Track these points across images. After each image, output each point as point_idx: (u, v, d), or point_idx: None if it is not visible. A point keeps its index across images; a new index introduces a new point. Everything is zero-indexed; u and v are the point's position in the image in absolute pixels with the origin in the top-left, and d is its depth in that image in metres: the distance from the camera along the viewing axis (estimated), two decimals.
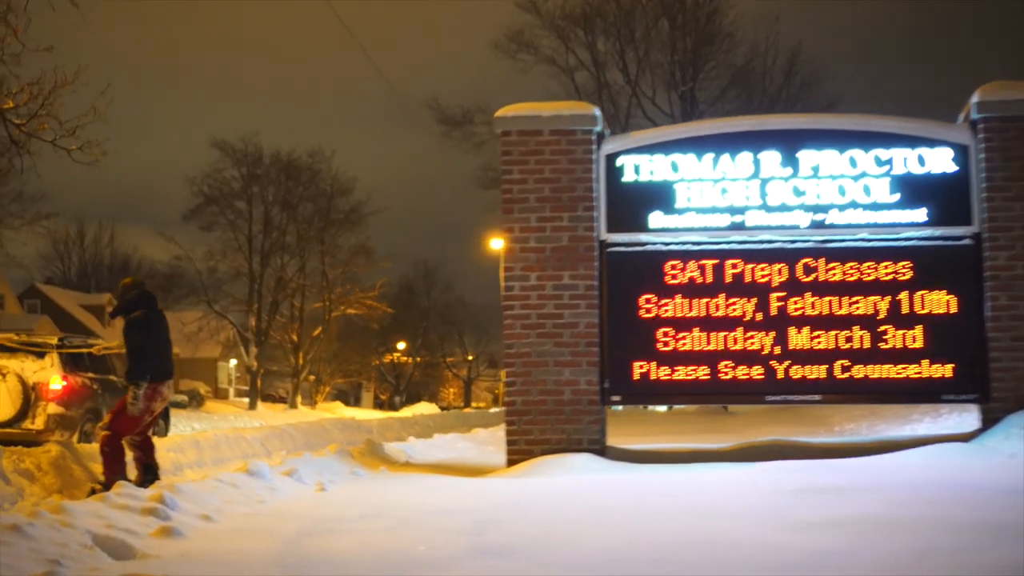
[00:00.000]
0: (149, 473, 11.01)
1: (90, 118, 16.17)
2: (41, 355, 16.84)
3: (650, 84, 40.69)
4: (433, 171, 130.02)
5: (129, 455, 11.12)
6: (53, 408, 16.67)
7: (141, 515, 7.37)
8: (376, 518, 7.72)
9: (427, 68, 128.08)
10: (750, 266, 11.76)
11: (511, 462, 11.77)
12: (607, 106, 40.65)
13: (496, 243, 66.32)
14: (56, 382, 16.70)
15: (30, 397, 16.43)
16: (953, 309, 11.51)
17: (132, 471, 11.14)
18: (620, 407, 12.33)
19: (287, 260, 59.60)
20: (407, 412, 58.83)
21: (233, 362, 75.68)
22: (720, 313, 11.73)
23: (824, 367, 11.56)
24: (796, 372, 11.57)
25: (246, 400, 60.91)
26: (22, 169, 16.23)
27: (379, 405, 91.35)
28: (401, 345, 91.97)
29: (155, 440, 11.95)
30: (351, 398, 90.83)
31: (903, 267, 11.58)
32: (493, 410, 61.99)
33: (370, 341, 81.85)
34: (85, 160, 16.88)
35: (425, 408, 67.50)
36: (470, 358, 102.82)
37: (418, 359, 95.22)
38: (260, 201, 59.02)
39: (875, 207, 11.76)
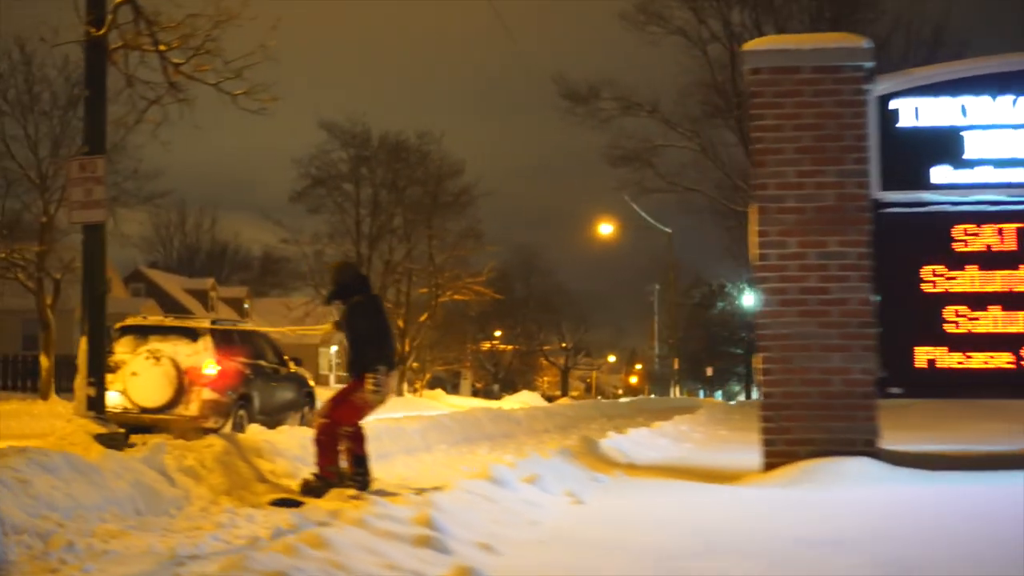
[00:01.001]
0: (360, 465, 10.44)
1: (258, 57, 14.28)
2: (194, 338, 16.10)
3: None
4: (539, 156, 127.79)
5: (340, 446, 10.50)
6: (207, 394, 15.86)
7: (415, 546, 5.51)
8: (721, 553, 5.71)
9: (550, 42, 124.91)
10: None
11: (769, 465, 9.69)
12: (740, 81, 38.36)
13: (605, 228, 64.56)
14: (210, 366, 15.92)
15: (183, 382, 15.61)
16: None
17: (341, 461, 10.51)
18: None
19: (394, 244, 57.95)
20: (511, 401, 57.04)
21: (334, 348, 74.25)
22: None
23: None
24: None
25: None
26: (181, 116, 14.34)
27: (475, 393, 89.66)
28: (497, 333, 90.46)
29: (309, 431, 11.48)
30: (448, 386, 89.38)
31: None
32: (624, 399, 59.72)
33: (468, 328, 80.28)
34: (252, 107, 15.07)
35: (528, 397, 65.53)
36: (566, 346, 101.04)
37: (515, 347, 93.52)
38: (368, 183, 57.50)
39: None
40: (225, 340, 16.80)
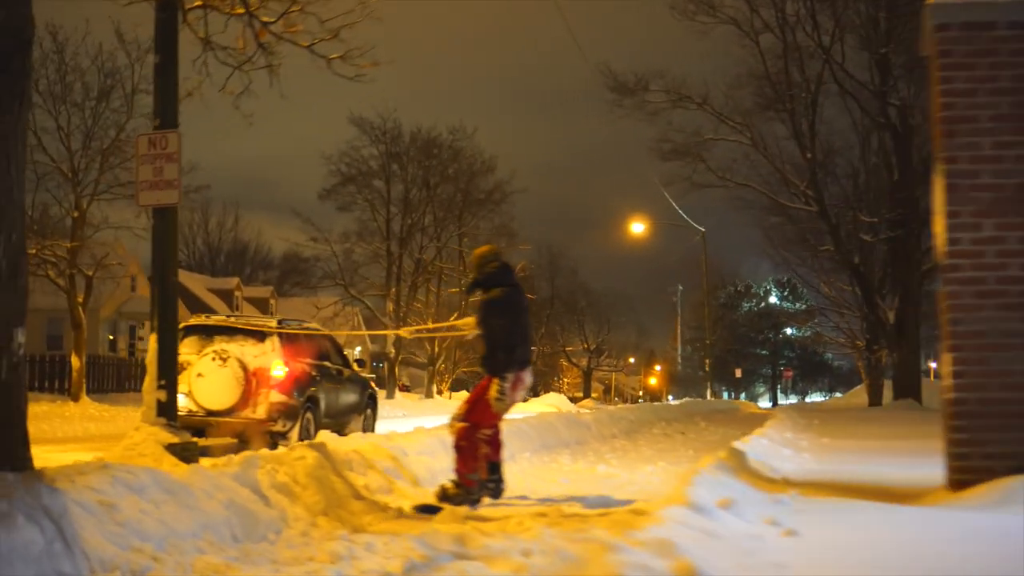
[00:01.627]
0: (495, 473, 10.05)
1: (357, 16, 12.74)
2: (261, 339, 15.63)
3: (839, 49, 36.96)
4: (579, 153, 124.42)
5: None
6: (275, 396, 15.40)
7: None
8: None
9: (597, 34, 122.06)
10: None
11: (959, 483, 8.21)
12: (794, 72, 37.08)
13: (637, 227, 63.08)
14: (278, 368, 15.45)
15: (251, 384, 15.17)
16: None
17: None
18: None
19: (425, 243, 56.54)
20: (539, 404, 55.72)
21: (358, 349, 72.89)
22: None
23: None
24: None
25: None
26: (270, 84, 12.82)
27: None
28: None
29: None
30: (470, 387, 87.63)
31: None
32: (674, 401, 58.17)
33: None
34: (348, 73, 13.54)
35: (555, 399, 64.13)
36: (589, 347, 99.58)
37: (539, 348, 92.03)
38: (399, 180, 56.26)
39: None
40: (291, 341, 16.29)
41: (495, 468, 10.09)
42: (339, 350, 19.03)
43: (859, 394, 77.40)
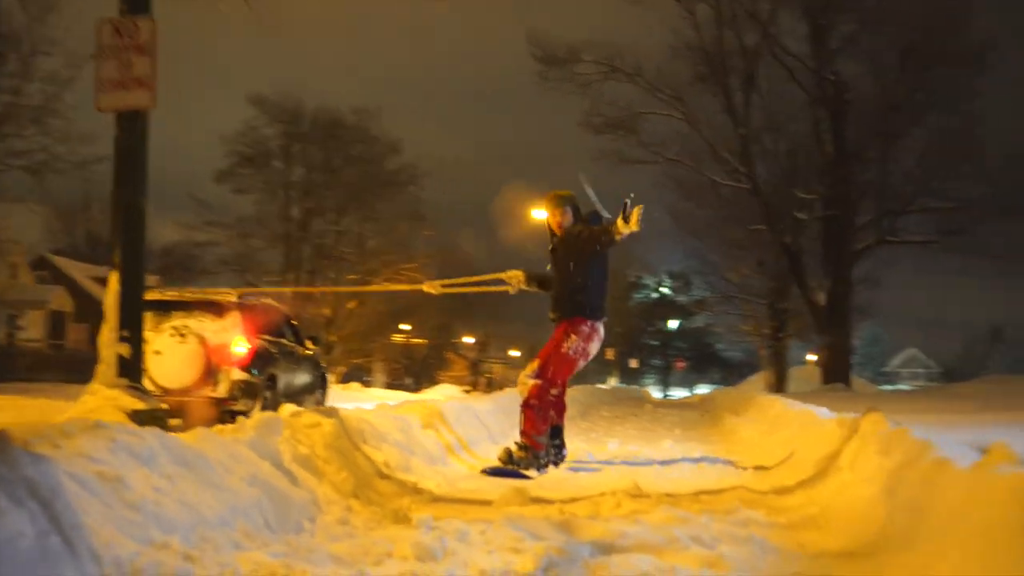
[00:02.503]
0: (557, 437, 9.63)
1: None
2: (221, 314, 14.68)
3: (776, 20, 35.27)
4: (500, 140, 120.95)
5: None
6: (237, 374, 14.52)
7: None
8: None
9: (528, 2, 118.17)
10: None
11: None
12: (730, 41, 35.31)
13: (539, 213, 60.93)
14: (240, 344, 14.60)
15: (211, 361, 14.29)
16: None
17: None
18: None
19: (326, 227, 53.92)
20: (434, 394, 53.57)
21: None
22: None
23: None
24: None
25: None
26: None
27: (388, 387, 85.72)
28: (405, 326, 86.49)
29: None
30: (362, 378, 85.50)
31: None
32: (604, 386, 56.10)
33: (383, 319, 76.28)
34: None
35: (449, 390, 61.93)
36: (471, 339, 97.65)
37: (428, 340, 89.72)
38: (300, 162, 53.30)
39: None
40: (251, 316, 15.36)
41: (557, 432, 9.59)
42: (293, 326, 18.10)
43: (755, 383, 76.42)
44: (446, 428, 10.48)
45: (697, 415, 21.62)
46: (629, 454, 11.13)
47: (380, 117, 54.74)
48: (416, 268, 56.56)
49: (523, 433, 9.10)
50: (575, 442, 11.42)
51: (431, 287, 11.78)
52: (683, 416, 20.98)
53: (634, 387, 61.15)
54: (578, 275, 9.18)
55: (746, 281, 54.29)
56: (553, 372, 9.19)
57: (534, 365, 9.23)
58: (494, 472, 8.77)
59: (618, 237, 8.52)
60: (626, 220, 8.27)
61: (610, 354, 63.19)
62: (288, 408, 8.19)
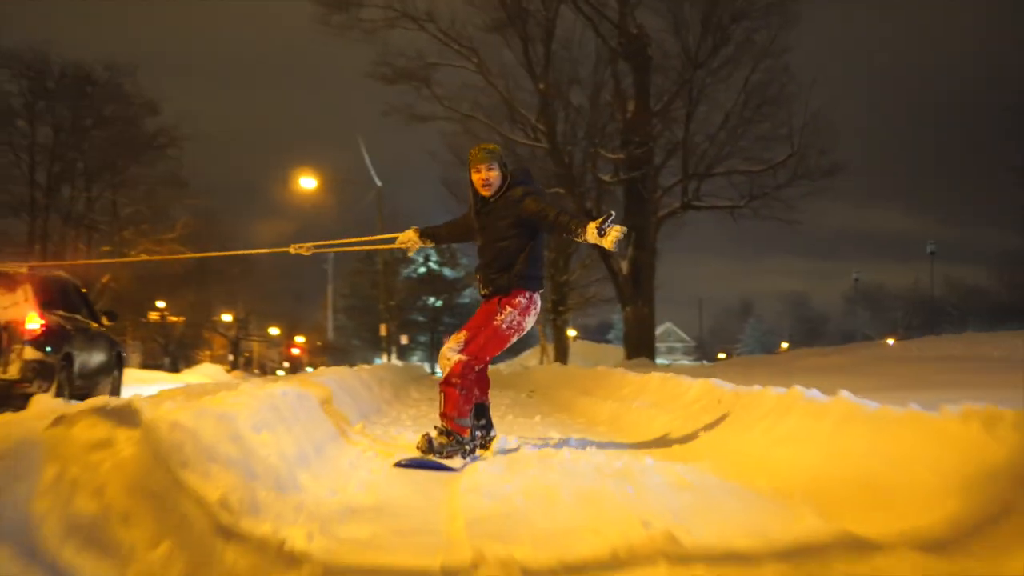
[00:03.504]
0: (482, 416, 8.25)
1: None
2: (11, 287, 13.47)
3: None
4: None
5: None
6: (30, 353, 13.21)
7: None
8: None
9: None
10: None
11: None
12: None
13: (307, 182, 56.94)
14: (33, 320, 13.33)
15: (1, 339, 13.11)
16: None
17: None
18: None
19: (76, 193, 48.62)
20: (195, 375, 49.45)
21: None
22: None
23: None
24: None
25: None
26: None
27: (146, 367, 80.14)
28: (160, 304, 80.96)
29: None
30: None
31: None
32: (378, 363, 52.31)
33: (138, 295, 70.81)
34: None
35: (212, 370, 57.54)
36: (230, 317, 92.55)
37: (187, 319, 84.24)
38: (47, 122, 47.64)
39: None
40: (45, 289, 14.00)
41: (483, 411, 8.36)
42: (87, 301, 16.41)
43: (528, 359, 73.91)
44: (286, 427, 7.07)
45: (527, 397, 18.61)
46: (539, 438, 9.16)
47: (136, 74, 48.99)
48: (176, 238, 52.06)
49: (444, 416, 7.80)
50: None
51: (302, 248, 9.03)
52: (516, 399, 17.90)
53: (417, 364, 58.08)
54: (515, 244, 7.87)
55: None
56: (482, 347, 7.87)
57: (459, 338, 8.02)
58: (411, 464, 7.38)
59: (580, 240, 7.34)
60: (601, 233, 7.05)
61: (384, 330, 59.70)
62: (50, 407, 4.63)
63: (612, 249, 7.18)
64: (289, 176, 51.86)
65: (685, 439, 8.19)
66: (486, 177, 7.85)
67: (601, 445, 8.39)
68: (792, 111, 32.36)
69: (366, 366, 34.04)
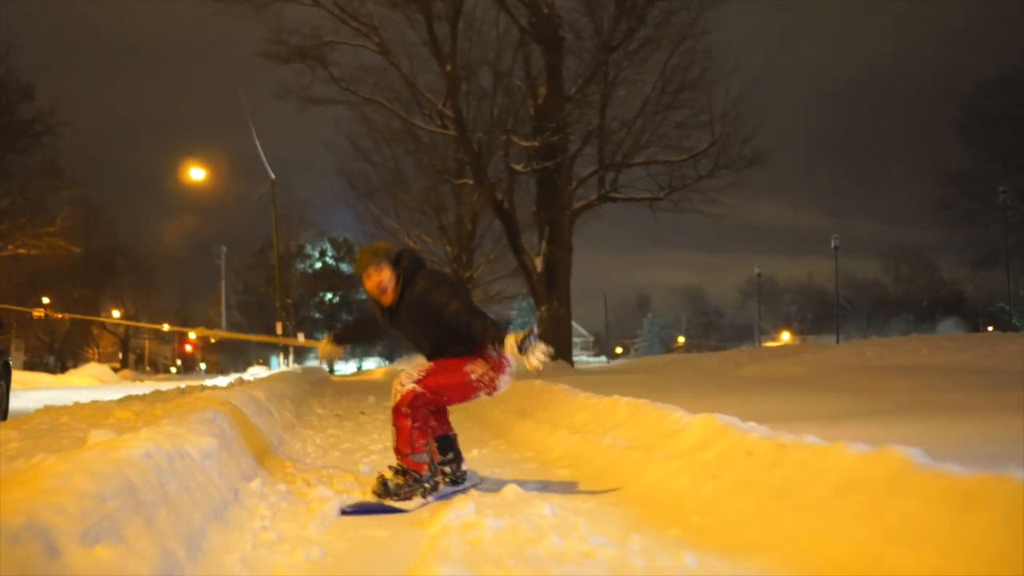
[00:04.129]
0: (450, 449, 7.39)
1: None
2: None
3: None
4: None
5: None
6: None
7: None
8: None
9: None
10: None
11: None
12: None
13: (196, 172, 53.72)
14: None
15: None
16: None
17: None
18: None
19: None
20: (81, 376, 46.43)
21: None
22: None
23: None
24: None
25: None
26: None
27: (29, 368, 75.96)
28: (45, 300, 76.95)
29: None
30: None
31: None
32: (258, 373, 49.08)
33: (20, 290, 66.88)
34: None
35: (98, 370, 54.26)
36: (117, 314, 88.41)
37: (72, 316, 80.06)
38: None
39: None
40: None
41: (449, 443, 7.35)
42: None
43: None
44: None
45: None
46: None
47: (8, 57, 45.43)
48: (57, 232, 48.67)
49: (397, 452, 6.92)
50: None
51: (203, 332, 8.15)
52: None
53: (317, 366, 55.34)
54: (440, 332, 6.96)
55: (427, 248, 49.71)
56: (440, 387, 6.92)
57: (421, 367, 6.98)
58: (357, 510, 6.35)
59: (494, 352, 6.73)
60: (521, 350, 6.32)
61: (280, 329, 56.83)
62: None
63: (533, 370, 6.39)
64: (179, 166, 48.39)
65: (713, 509, 5.69)
66: (378, 282, 6.98)
67: (589, 514, 5.94)
68: (713, 98, 30.21)
69: (261, 375, 31.33)
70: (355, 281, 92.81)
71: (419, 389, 6.91)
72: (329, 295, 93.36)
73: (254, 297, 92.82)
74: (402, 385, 6.91)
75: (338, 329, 8.05)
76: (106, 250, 78.28)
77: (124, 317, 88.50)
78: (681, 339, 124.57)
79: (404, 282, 6.98)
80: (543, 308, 30.73)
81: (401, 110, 32.41)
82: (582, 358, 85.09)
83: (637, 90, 30.88)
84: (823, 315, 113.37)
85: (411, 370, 6.99)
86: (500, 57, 31.97)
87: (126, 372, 72.51)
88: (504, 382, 7.05)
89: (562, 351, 30.19)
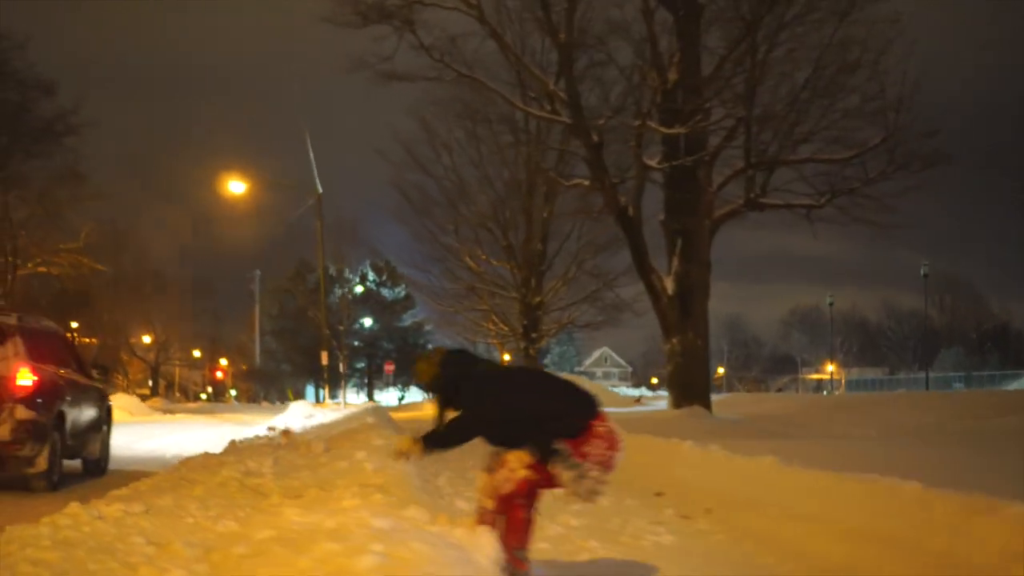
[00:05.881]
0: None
1: None
2: (1, 339, 11.95)
3: None
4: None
5: None
6: (23, 412, 11.79)
7: None
8: None
9: None
10: None
11: None
12: None
13: (237, 186, 46.93)
14: (25, 376, 11.90)
15: None
16: None
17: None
18: None
19: None
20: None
21: None
22: None
23: None
24: None
25: None
26: None
27: None
28: (74, 324, 71.19)
29: None
30: None
31: None
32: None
33: (45, 314, 60.77)
34: None
35: (124, 401, 47.83)
36: (149, 339, 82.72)
37: (99, 340, 74.31)
38: None
39: None
40: (35, 341, 12.55)
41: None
42: (75, 353, 14.94)
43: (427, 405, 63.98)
44: None
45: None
46: None
47: (27, 47, 39.09)
48: (81, 248, 42.73)
49: (504, 545, 6.01)
50: None
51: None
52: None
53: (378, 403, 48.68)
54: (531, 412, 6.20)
55: (491, 269, 43.78)
56: (552, 477, 6.02)
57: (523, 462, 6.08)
58: None
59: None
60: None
61: (325, 358, 50.32)
62: None
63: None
64: (217, 181, 42.03)
65: None
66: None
67: None
68: (886, 82, 23.26)
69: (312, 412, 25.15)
70: (397, 307, 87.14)
71: (534, 477, 6.14)
72: (370, 322, 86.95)
73: (290, 322, 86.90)
74: (512, 473, 6.16)
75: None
76: (136, 271, 72.29)
77: (154, 343, 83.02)
78: (721, 369, 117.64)
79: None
80: (674, 340, 23.89)
81: (502, 90, 25.64)
82: (622, 390, 78.21)
83: (789, 75, 23.99)
84: (866, 345, 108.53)
85: (523, 452, 6.16)
86: (619, 29, 24.85)
87: (156, 401, 66.40)
88: (618, 459, 6.19)
89: (698, 394, 23.49)
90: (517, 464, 6.13)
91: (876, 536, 7.66)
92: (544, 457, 6.13)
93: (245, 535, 6.60)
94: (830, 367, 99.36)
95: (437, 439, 6.77)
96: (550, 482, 6.17)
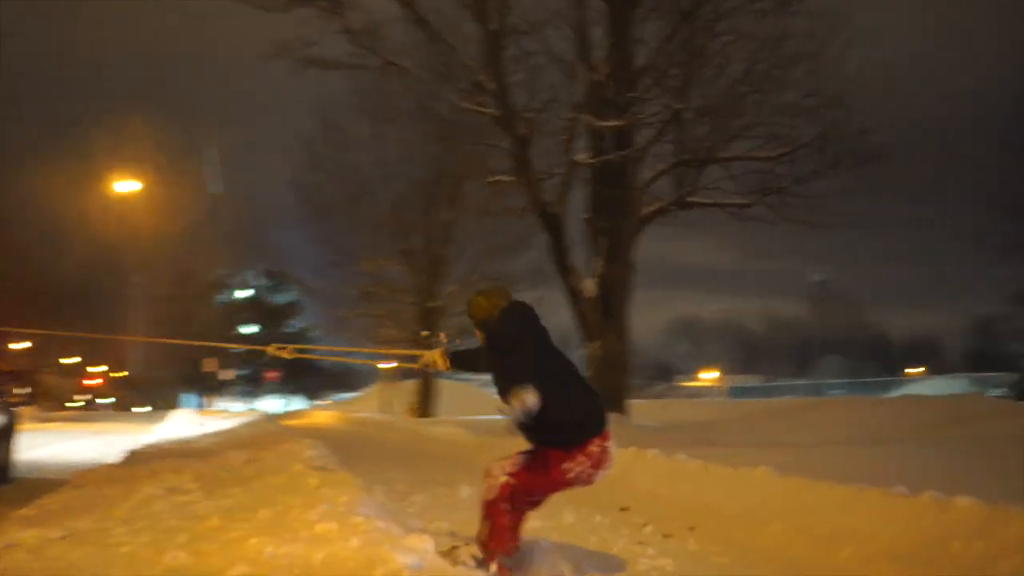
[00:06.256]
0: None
1: None
2: None
3: None
4: None
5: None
6: None
7: None
8: None
9: None
10: None
11: None
12: None
13: (127, 185, 44.13)
14: None
15: None
16: None
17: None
18: None
19: None
20: None
21: None
22: None
23: None
24: None
25: None
26: None
27: None
28: None
29: None
30: None
31: None
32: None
33: None
34: None
35: None
36: (20, 346, 79.51)
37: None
38: None
39: None
40: None
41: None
42: None
43: (368, 400, 61.40)
44: None
45: None
46: None
47: None
48: None
49: (483, 547, 6.05)
50: None
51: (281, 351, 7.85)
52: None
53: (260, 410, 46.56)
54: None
55: (389, 273, 42.68)
56: (535, 486, 6.05)
57: (515, 461, 6.10)
58: None
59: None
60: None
61: (212, 365, 48.27)
62: None
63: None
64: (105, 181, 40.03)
65: None
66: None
67: None
68: (822, 76, 22.28)
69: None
70: (285, 312, 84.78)
71: (513, 482, 6.08)
72: (253, 327, 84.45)
73: (169, 330, 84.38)
74: (495, 477, 6.10)
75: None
76: (17, 273, 69.30)
77: (32, 349, 79.88)
78: None
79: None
80: (595, 344, 22.64)
81: (427, 82, 23.99)
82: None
83: (734, 60, 22.80)
84: (744, 353, 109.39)
85: (503, 460, 6.21)
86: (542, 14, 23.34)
87: (29, 409, 64.05)
88: (600, 476, 6.12)
89: (616, 400, 22.24)
90: (499, 471, 6.08)
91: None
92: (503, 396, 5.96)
93: (208, 572, 5.74)
94: (714, 374, 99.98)
95: (467, 360, 6.73)
96: (533, 489, 6.09)
